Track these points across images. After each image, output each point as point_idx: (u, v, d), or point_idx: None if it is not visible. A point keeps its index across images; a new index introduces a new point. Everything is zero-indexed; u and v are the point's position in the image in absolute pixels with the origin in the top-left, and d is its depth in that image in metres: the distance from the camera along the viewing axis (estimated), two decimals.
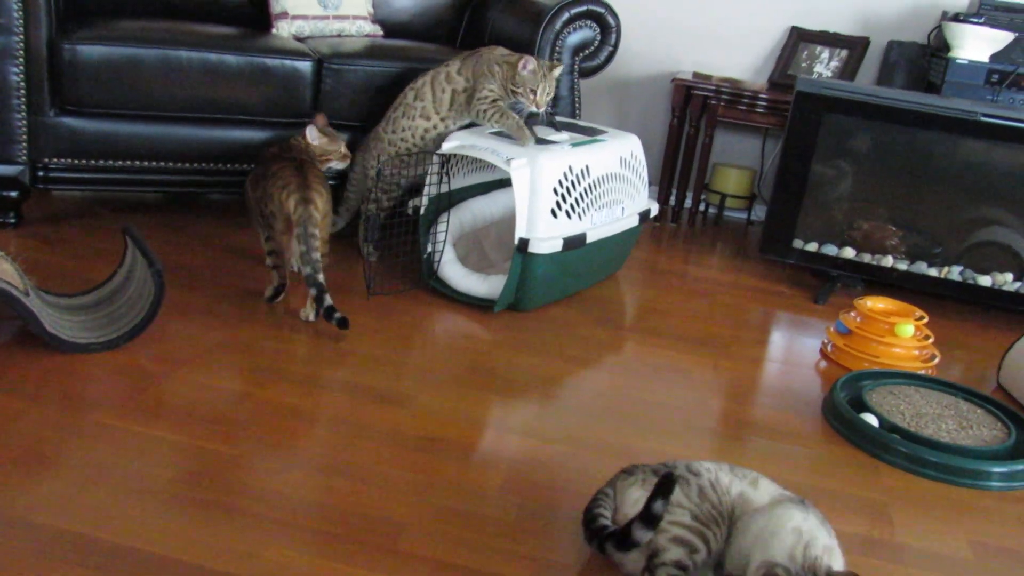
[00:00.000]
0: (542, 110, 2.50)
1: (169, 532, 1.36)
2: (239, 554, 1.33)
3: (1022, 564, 1.55)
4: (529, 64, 2.43)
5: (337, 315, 2.09)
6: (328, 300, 2.10)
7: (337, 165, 2.42)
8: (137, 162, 2.61)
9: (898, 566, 1.50)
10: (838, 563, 1.28)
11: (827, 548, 1.28)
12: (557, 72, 2.50)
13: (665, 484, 1.29)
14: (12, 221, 2.58)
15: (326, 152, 2.37)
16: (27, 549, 1.29)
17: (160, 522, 1.38)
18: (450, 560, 1.38)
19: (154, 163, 2.63)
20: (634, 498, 1.40)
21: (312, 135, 2.35)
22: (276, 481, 1.53)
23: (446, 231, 2.47)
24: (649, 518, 1.30)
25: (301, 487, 1.52)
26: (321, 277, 2.10)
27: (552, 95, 2.52)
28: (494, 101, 2.45)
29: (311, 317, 2.16)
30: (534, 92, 2.45)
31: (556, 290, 2.48)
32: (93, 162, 2.57)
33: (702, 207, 3.74)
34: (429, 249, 2.46)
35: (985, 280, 2.75)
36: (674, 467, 1.42)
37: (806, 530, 1.28)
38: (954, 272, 2.77)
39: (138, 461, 1.54)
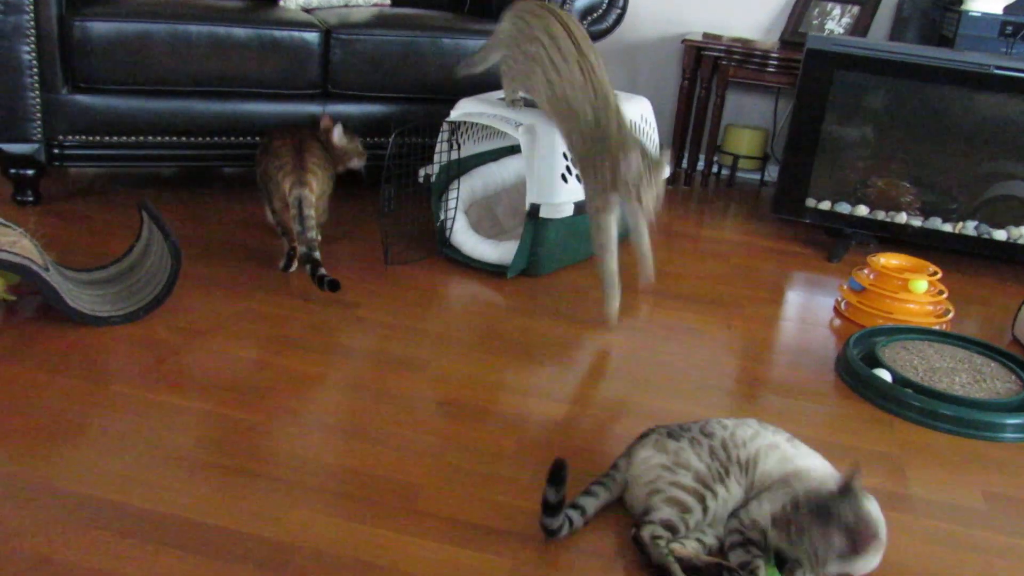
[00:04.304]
0: (652, 218, 2.02)
1: (193, 497, 1.40)
2: (263, 517, 1.36)
3: None
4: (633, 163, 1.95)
5: (327, 280, 2.08)
6: (321, 271, 2.11)
7: (356, 164, 2.46)
8: (150, 137, 2.63)
9: (913, 517, 1.52)
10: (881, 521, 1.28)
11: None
12: (665, 171, 1.99)
13: (556, 472, 1.30)
14: (30, 199, 2.61)
15: (347, 152, 2.43)
16: (54, 515, 1.33)
17: (185, 487, 1.42)
18: (467, 519, 1.40)
19: (167, 138, 2.64)
20: (641, 457, 1.43)
21: (338, 134, 2.40)
22: (297, 446, 1.56)
23: (457, 198, 2.48)
24: (546, 506, 1.32)
25: (321, 451, 1.55)
26: (316, 255, 2.13)
27: (662, 197, 1.99)
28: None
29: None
30: (636, 187, 1.95)
31: (568, 255, 2.49)
32: (107, 138, 2.59)
33: (715, 169, 3.72)
34: (441, 217, 2.47)
35: (1000, 234, 2.73)
36: (688, 429, 1.44)
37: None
38: (969, 227, 2.76)
39: (161, 429, 1.57)
